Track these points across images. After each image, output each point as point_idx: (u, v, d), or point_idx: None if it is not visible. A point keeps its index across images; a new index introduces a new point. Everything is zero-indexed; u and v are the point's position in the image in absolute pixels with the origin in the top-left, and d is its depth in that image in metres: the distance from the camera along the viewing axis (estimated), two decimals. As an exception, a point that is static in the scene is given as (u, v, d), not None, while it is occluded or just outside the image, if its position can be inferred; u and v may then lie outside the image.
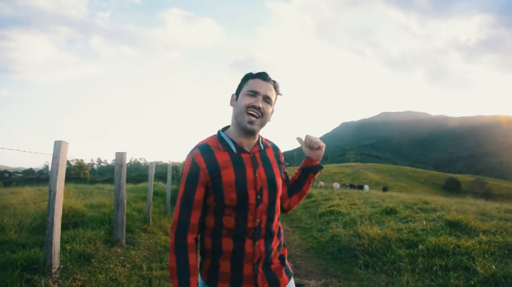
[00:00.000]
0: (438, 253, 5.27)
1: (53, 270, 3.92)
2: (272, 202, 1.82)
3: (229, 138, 1.84)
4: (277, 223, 1.88)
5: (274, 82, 1.86)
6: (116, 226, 6.00)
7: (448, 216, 7.78)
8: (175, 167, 13.37)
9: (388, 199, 14.66)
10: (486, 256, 4.95)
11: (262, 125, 1.81)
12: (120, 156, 6.21)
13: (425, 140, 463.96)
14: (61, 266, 4.13)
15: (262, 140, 1.93)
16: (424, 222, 7.67)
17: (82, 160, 74.57)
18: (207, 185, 1.74)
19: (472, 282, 4.06)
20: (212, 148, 1.80)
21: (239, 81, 1.87)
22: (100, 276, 4.30)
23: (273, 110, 1.88)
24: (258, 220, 1.77)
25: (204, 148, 1.79)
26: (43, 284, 3.60)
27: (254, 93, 1.78)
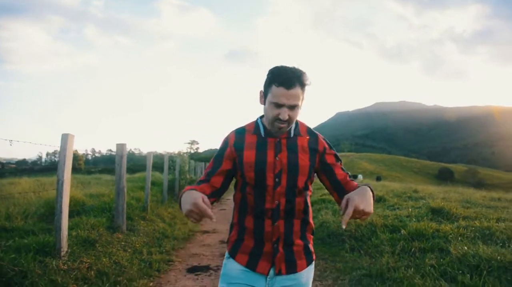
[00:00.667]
0: (418, 237, 5.66)
1: (62, 253, 4.28)
2: (291, 186, 1.88)
3: (263, 124, 1.95)
4: (301, 205, 1.92)
5: (300, 82, 1.81)
6: (117, 213, 6.37)
7: (432, 203, 8.21)
8: (171, 158, 13.67)
9: (379, 188, 15.10)
10: (461, 239, 5.34)
11: (291, 124, 1.88)
12: (120, 147, 6.56)
13: (420, 130, 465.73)
14: (69, 250, 4.49)
15: (296, 127, 1.98)
16: (410, 209, 8.08)
17: (76, 150, 74.44)
18: (234, 161, 1.92)
19: (445, 261, 4.44)
20: (246, 131, 1.96)
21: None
22: (104, 259, 4.65)
23: (302, 100, 1.89)
24: (276, 201, 1.85)
25: (239, 130, 1.98)
26: (54, 265, 3.95)
27: (278, 103, 1.80)
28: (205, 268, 5.29)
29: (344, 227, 1.58)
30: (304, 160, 1.92)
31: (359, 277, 4.66)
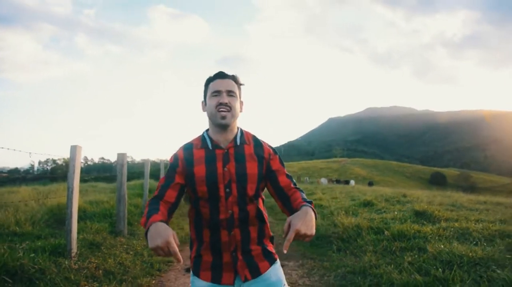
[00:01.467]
0: (400, 237, 6.10)
1: (73, 254, 4.69)
2: (242, 194, 1.93)
3: (209, 137, 2.02)
4: (254, 212, 1.97)
5: (233, 76, 2.02)
6: (119, 219, 6.77)
7: (416, 207, 8.67)
8: (166, 165, 14.08)
9: (369, 193, 15.58)
10: (439, 239, 5.79)
11: (234, 117, 1.97)
12: (121, 157, 6.98)
13: (411, 134, 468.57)
14: (78, 251, 4.89)
15: (242, 136, 2.06)
16: (396, 212, 8.53)
17: (68, 158, 74.15)
18: (185, 176, 1.96)
19: (422, 259, 4.87)
20: (193, 146, 2.01)
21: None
22: (109, 260, 5.04)
23: (242, 102, 2.07)
24: (230, 211, 1.91)
25: (187, 146, 2.03)
26: (66, 264, 4.35)
27: (217, 93, 1.95)
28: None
29: (285, 252, 1.61)
30: (252, 168, 1.98)
31: (344, 274, 5.09)
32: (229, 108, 1.93)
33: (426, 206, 8.61)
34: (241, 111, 2.05)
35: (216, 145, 1.98)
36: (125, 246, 6.05)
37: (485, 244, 5.36)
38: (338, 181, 45.83)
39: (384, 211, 9.20)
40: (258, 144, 2.08)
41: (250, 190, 1.95)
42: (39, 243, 4.84)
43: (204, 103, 2.04)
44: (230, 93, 1.96)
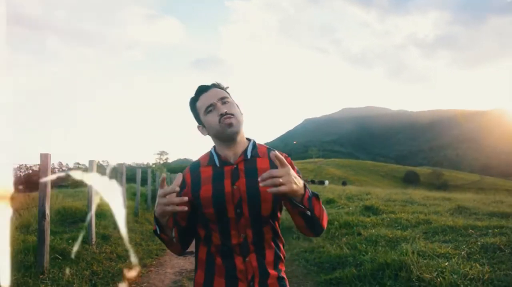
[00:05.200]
0: (345, 226, 7.77)
1: (93, 242, 6.20)
2: (256, 215, 1.67)
3: (216, 153, 1.77)
4: (270, 235, 1.72)
5: (214, 84, 1.79)
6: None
7: (367, 203, 10.43)
8: (152, 170, 15.44)
9: (337, 192, 17.42)
10: (374, 226, 7.47)
11: (240, 122, 1.72)
12: (120, 166, 8.49)
13: (387, 134, 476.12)
14: (96, 241, 6.40)
15: (254, 148, 1.79)
16: (350, 208, 10.26)
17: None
18: (192, 201, 1.71)
19: (356, 240, 6.52)
20: (201, 164, 1.79)
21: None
22: (118, 248, 6.56)
23: (237, 105, 1.80)
24: (242, 235, 1.66)
25: (194, 165, 1.81)
26: (89, 250, 5.86)
27: (211, 106, 1.71)
28: (190, 253, 7.23)
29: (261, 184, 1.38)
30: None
31: (298, 252, 6.74)
32: (232, 115, 1.68)
33: (373, 202, 10.38)
34: (241, 113, 1.78)
35: (224, 162, 1.74)
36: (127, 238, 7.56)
37: (409, 229, 7.06)
38: (313, 182, 47.21)
39: (342, 207, 10.90)
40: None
41: (265, 210, 1.68)
42: (67, 236, 6.34)
43: (202, 126, 1.79)
44: (224, 99, 1.73)
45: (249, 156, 1.75)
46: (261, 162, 1.75)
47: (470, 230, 6.37)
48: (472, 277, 3.99)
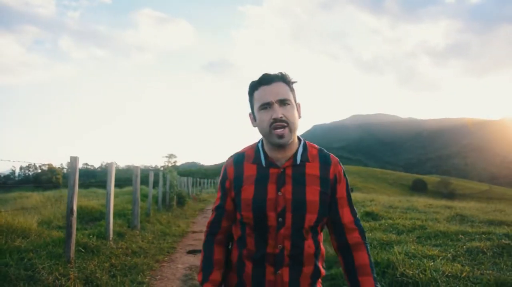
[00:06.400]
0: (345, 230, 8.26)
1: (110, 238, 6.76)
2: (298, 227, 1.56)
3: (263, 151, 1.65)
4: (311, 250, 1.61)
5: (281, 76, 1.59)
6: (134, 216, 8.82)
7: (367, 209, 10.92)
8: (162, 173, 15.96)
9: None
10: (371, 230, 7.96)
11: (293, 132, 1.57)
12: (136, 169, 9.05)
13: (395, 142, 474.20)
14: (112, 237, 6.96)
15: (304, 151, 1.66)
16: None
17: (51, 164, 74.41)
18: (233, 197, 1.67)
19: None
20: (245, 158, 1.68)
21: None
22: (133, 245, 7.10)
23: (298, 104, 1.66)
24: (280, 245, 1.56)
25: (238, 158, 1.70)
26: (107, 245, 6.41)
27: (267, 105, 1.55)
28: (199, 251, 7.75)
29: None
30: (313, 193, 1.60)
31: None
32: (286, 123, 1.54)
33: (374, 208, 10.86)
34: (299, 117, 1.64)
35: (271, 163, 1.62)
36: (140, 236, 8.10)
37: (404, 233, 7.53)
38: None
39: (345, 213, 11.39)
40: (325, 161, 1.68)
41: (309, 221, 1.58)
42: (87, 232, 6.91)
43: (253, 116, 1.66)
44: (284, 102, 1.56)
45: (298, 161, 1.63)
46: (311, 168, 1.64)
47: (460, 235, 6.84)
48: (450, 274, 4.48)
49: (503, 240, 6.08)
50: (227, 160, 1.74)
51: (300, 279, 1.60)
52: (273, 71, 1.62)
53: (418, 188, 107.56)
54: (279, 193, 1.57)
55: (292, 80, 1.63)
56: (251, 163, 1.65)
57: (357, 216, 1.76)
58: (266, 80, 1.57)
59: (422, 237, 7.07)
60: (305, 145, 1.68)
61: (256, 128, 1.66)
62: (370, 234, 7.39)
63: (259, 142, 1.72)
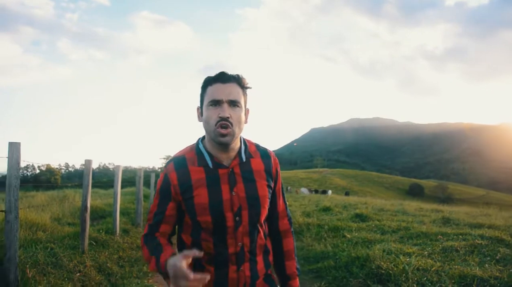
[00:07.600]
0: (334, 229, 8.86)
1: (117, 233, 7.36)
2: (254, 222, 1.62)
3: (206, 151, 1.63)
4: (262, 240, 1.69)
5: (237, 78, 1.60)
6: (137, 214, 9.41)
7: (358, 211, 11.53)
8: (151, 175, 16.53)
9: (336, 201, 18.47)
10: (358, 230, 8.56)
11: (236, 133, 1.58)
12: (139, 171, 9.67)
13: (393, 146, 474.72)
14: (119, 233, 7.55)
15: (246, 148, 1.69)
16: (343, 215, 11.36)
17: (49, 164, 74.71)
18: (179, 203, 1.63)
19: (338, 240, 7.61)
20: (187, 162, 1.63)
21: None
22: (137, 240, 7.68)
23: (247, 110, 1.68)
24: (239, 243, 1.60)
25: (179, 162, 1.64)
26: (115, 239, 7.00)
27: (216, 103, 1.55)
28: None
29: None
30: (263, 188, 1.66)
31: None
32: (231, 124, 1.54)
33: (364, 211, 11.46)
34: (246, 122, 1.66)
35: (217, 163, 1.61)
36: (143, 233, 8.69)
37: (388, 234, 8.13)
38: (316, 191, 48.04)
39: (336, 214, 11.98)
40: (264, 155, 1.74)
41: (263, 215, 1.66)
42: (97, 227, 7.50)
43: (201, 111, 1.65)
44: (234, 103, 1.57)
45: (244, 159, 1.65)
46: (255, 164, 1.68)
47: (439, 236, 7.44)
48: (421, 268, 5.08)
49: (476, 240, 6.65)
50: (166, 166, 1.69)
51: (257, 268, 1.68)
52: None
53: (415, 192, 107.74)
54: (233, 193, 1.59)
55: (247, 85, 1.65)
56: (196, 166, 1.62)
57: (287, 205, 1.88)
58: (222, 78, 1.58)
59: (405, 237, 7.63)
60: (245, 143, 1.72)
61: (201, 123, 1.66)
62: (356, 234, 7.98)
63: (198, 143, 1.70)
